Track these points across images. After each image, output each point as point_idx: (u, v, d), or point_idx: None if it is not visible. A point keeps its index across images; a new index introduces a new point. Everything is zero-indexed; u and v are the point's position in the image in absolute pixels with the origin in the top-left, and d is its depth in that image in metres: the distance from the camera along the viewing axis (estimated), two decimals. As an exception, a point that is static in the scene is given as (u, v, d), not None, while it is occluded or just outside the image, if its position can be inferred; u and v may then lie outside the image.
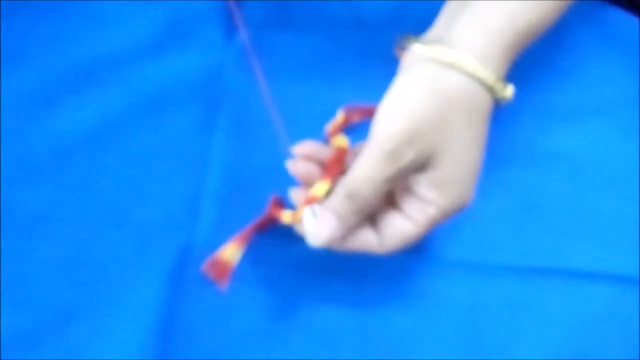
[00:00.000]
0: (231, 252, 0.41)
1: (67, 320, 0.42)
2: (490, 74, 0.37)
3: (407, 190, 0.38)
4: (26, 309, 0.42)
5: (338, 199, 0.38)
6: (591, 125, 0.49)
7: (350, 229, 0.38)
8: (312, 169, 0.40)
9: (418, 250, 0.44)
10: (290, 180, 0.41)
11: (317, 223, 0.38)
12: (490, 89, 0.38)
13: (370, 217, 0.39)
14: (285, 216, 0.40)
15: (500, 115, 0.47)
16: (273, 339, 0.42)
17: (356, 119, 0.45)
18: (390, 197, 0.40)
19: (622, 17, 0.53)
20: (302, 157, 0.41)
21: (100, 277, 0.43)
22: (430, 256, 0.44)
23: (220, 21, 0.50)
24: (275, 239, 0.44)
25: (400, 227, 0.38)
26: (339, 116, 0.44)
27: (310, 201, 0.39)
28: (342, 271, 0.44)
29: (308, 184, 0.40)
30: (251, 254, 0.44)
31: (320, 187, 0.39)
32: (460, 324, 0.43)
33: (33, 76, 0.48)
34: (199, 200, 0.45)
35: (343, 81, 0.48)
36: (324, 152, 0.41)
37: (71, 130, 0.47)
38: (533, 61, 0.50)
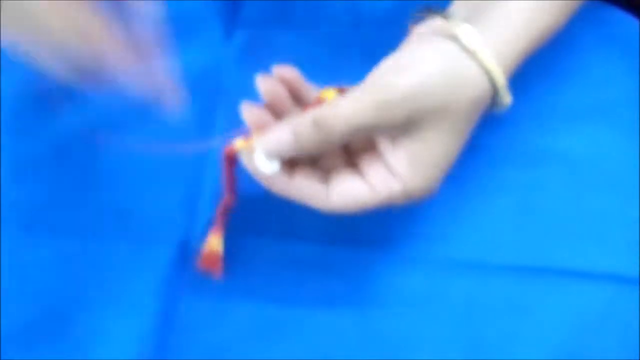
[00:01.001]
0: (214, 242, 0.41)
1: (65, 319, 0.42)
2: (502, 77, 0.37)
3: (376, 156, 0.37)
4: (24, 308, 0.42)
5: (302, 120, 0.35)
6: (591, 126, 0.49)
7: (299, 156, 0.36)
8: (280, 91, 0.38)
9: (416, 250, 0.44)
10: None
11: (270, 132, 0.36)
12: (495, 91, 0.38)
13: (323, 171, 0.38)
14: (239, 143, 0.38)
15: (500, 116, 0.47)
16: (270, 338, 0.42)
17: None
18: (349, 160, 0.39)
19: (621, 18, 0.53)
20: (277, 77, 0.39)
21: (97, 276, 0.43)
22: (429, 256, 0.44)
23: (219, 19, 0.50)
24: (273, 238, 0.44)
25: (355, 189, 0.37)
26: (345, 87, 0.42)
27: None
28: (340, 270, 0.44)
29: (270, 106, 0.38)
30: (249, 253, 0.44)
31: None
32: (458, 324, 0.42)
33: (32, 74, 0.48)
34: (196, 199, 0.45)
35: (342, 80, 0.48)
36: (304, 89, 0.39)
37: (69, 129, 0.47)
38: (532, 62, 0.50)
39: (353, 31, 0.50)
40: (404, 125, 0.35)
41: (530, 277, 0.44)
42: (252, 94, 0.46)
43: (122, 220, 0.44)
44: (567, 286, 0.43)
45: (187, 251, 0.43)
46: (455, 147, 0.37)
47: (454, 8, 0.41)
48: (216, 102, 0.48)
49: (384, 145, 0.37)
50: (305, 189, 0.37)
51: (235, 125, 0.46)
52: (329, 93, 0.40)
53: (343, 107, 0.35)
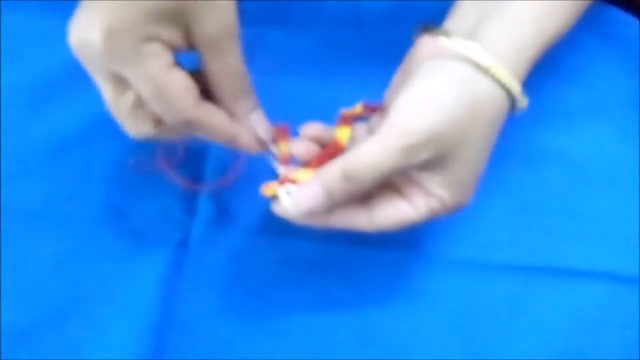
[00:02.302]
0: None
1: (64, 317, 0.42)
2: (517, 86, 0.37)
3: (412, 181, 0.38)
4: (22, 306, 0.42)
5: (332, 175, 0.36)
6: (590, 125, 0.49)
7: (335, 207, 0.37)
8: (312, 149, 0.40)
9: (416, 249, 0.44)
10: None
11: (300, 190, 0.36)
12: (513, 100, 0.38)
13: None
14: (267, 190, 0.39)
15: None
16: (270, 338, 0.42)
17: (370, 114, 0.44)
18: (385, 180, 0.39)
19: (621, 18, 0.53)
20: (305, 137, 0.40)
21: (96, 274, 0.43)
22: (428, 255, 0.44)
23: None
24: (272, 236, 0.44)
25: (399, 210, 0.37)
26: (357, 107, 0.42)
27: (286, 181, 0.37)
28: (340, 269, 0.43)
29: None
30: (248, 251, 0.44)
31: (303, 174, 0.38)
32: (457, 323, 0.42)
33: (30, 72, 0.48)
34: (195, 197, 0.45)
35: (341, 78, 0.48)
36: (328, 135, 0.40)
37: (67, 126, 0.47)
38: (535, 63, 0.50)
39: (353, 31, 0.50)
40: (433, 160, 0.36)
41: (530, 276, 0.44)
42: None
43: (120, 218, 0.44)
44: (566, 285, 0.43)
45: (185, 249, 0.43)
46: (483, 160, 0.38)
47: (457, 16, 0.41)
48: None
49: (417, 174, 0.37)
50: (347, 217, 0.38)
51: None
52: (344, 132, 0.41)
53: (370, 156, 0.35)
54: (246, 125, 0.38)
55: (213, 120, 0.37)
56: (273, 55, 0.49)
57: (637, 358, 0.42)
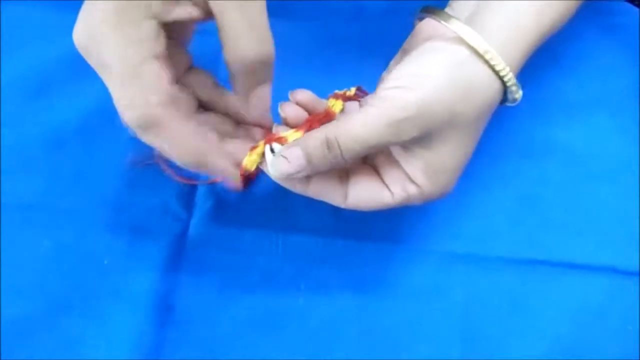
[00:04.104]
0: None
1: (62, 311, 0.42)
2: (511, 75, 0.37)
3: (392, 159, 0.37)
4: (21, 300, 0.42)
5: (315, 142, 0.35)
6: (590, 117, 0.48)
7: (316, 176, 0.37)
8: (300, 115, 0.38)
9: (416, 243, 0.44)
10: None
11: (282, 156, 0.36)
12: (506, 90, 0.37)
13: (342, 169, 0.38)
14: (249, 161, 0.38)
15: (499, 108, 0.47)
16: (269, 332, 0.42)
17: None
18: (366, 158, 0.39)
19: (622, 8, 0.53)
20: (295, 102, 0.39)
21: (95, 268, 0.43)
22: (429, 248, 0.44)
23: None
24: (271, 231, 0.44)
25: (374, 192, 0.37)
26: (352, 89, 0.42)
27: (272, 140, 0.37)
28: (338, 263, 0.43)
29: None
30: (247, 245, 0.43)
31: (291, 135, 0.37)
32: (457, 316, 0.42)
33: (29, 65, 0.48)
34: (193, 191, 0.45)
35: (340, 70, 0.47)
36: (318, 106, 0.39)
37: (67, 120, 0.47)
38: (532, 53, 0.50)
39: (353, 24, 0.50)
40: (418, 138, 0.35)
41: (530, 270, 0.44)
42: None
43: (119, 212, 0.44)
44: (566, 279, 0.43)
45: (184, 243, 0.43)
46: (468, 150, 0.37)
47: (457, 3, 0.40)
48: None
49: (399, 154, 0.37)
50: (324, 189, 0.37)
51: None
52: (337, 104, 0.40)
53: (355, 126, 0.35)
54: (242, 124, 0.38)
55: (175, 130, 0.34)
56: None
57: (638, 352, 0.42)
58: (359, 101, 0.40)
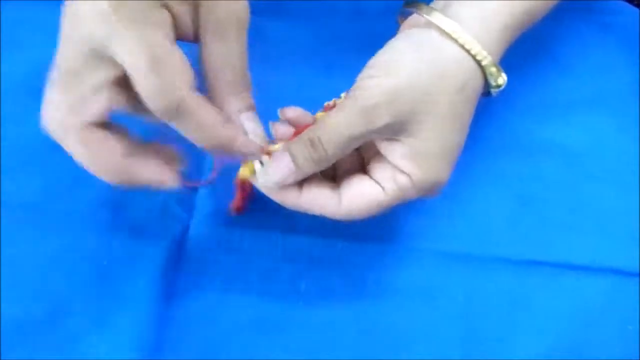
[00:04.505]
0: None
1: (62, 311, 0.42)
2: (485, 55, 0.37)
3: (378, 155, 0.37)
4: (21, 299, 0.42)
5: (299, 143, 0.36)
6: (589, 116, 0.49)
7: (304, 177, 0.37)
8: (291, 132, 0.39)
9: (415, 243, 0.44)
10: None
11: (270, 163, 0.36)
12: (483, 71, 0.37)
13: (334, 178, 0.39)
14: (243, 172, 0.39)
15: (497, 106, 0.47)
16: (269, 333, 0.42)
17: None
18: (361, 164, 0.39)
19: (621, 7, 0.53)
20: (285, 120, 0.40)
21: (94, 269, 0.43)
22: (427, 249, 0.44)
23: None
24: (271, 232, 0.44)
25: (366, 191, 0.37)
26: (342, 95, 0.42)
27: (261, 154, 0.37)
28: (338, 264, 0.43)
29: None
30: (247, 245, 0.43)
31: (278, 148, 0.38)
32: (456, 317, 0.42)
33: (29, 63, 0.48)
34: (193, 192, 0.45)
35: (338, 70, 0.47)
36: (307, 119, 0.40)
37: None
38: (530, 51, 0.50)
39: (352, 23, 0.50)
40: (395, 125, 0.35)
41: (529, 270, 0.44)
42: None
43: (119, 214, 0.44)
44: (566, 279, 0.43)
45: (184, 245, 0.43)
46: (454, 134, 0.37)
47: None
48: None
49: (382, 146, 0.37)
50: (317, 197, 0.37)
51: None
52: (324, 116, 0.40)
53: (331, 120, 0.35)
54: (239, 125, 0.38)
55: (204, 116, 0.34)
56: (271, 47, 0.48)
57: (638, 352, 0.42)
58: None
